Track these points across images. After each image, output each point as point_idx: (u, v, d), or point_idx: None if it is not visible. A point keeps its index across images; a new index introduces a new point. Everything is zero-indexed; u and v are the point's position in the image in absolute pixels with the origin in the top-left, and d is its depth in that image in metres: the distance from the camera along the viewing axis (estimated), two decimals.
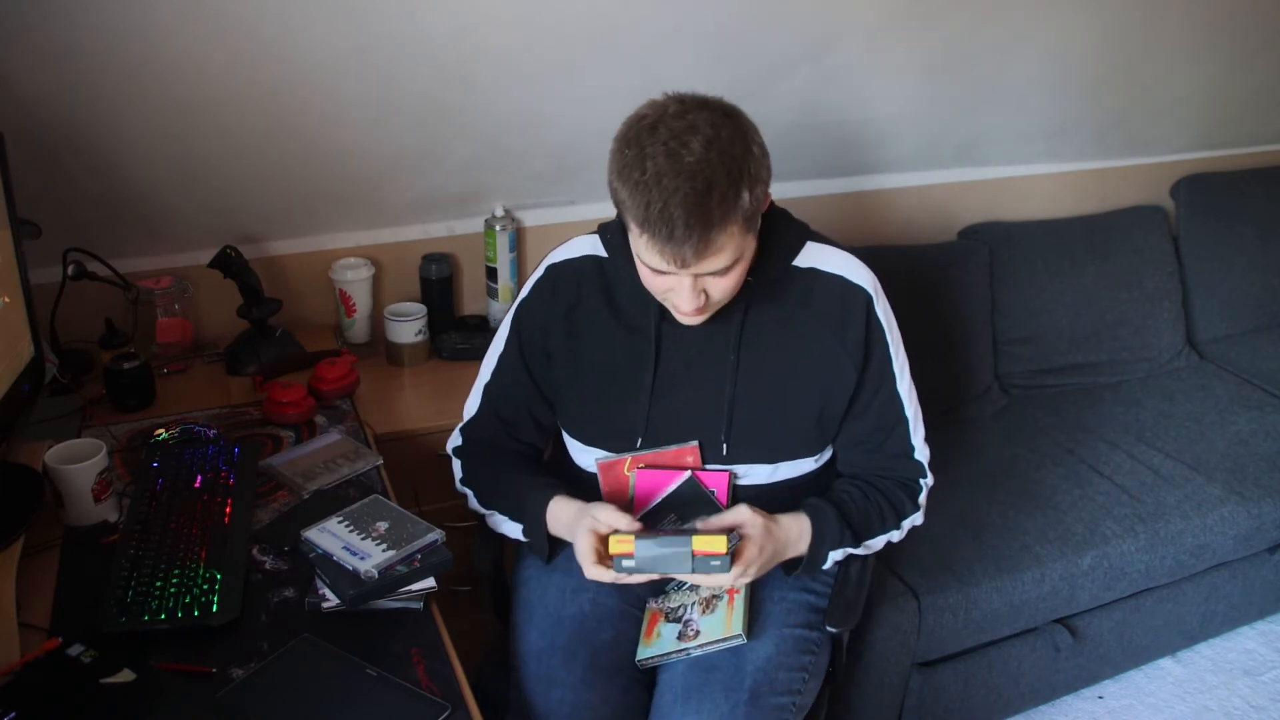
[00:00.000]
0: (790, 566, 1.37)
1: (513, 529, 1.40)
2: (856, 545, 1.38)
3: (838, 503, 1.38)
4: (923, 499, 1.45)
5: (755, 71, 1.92)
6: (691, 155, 1.11)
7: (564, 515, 1.33)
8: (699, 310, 1.24)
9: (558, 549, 1.38)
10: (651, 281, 1.24)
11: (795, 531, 1.34)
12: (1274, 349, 2.66)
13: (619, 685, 1.31)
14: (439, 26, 1.61)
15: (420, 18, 1.58)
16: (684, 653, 1.32)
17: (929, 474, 1.45)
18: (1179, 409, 2.40)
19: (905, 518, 1.44)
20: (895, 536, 1.44)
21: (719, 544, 1.20)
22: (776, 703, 1.30)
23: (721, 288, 1.22)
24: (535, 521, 1.36)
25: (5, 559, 1.21)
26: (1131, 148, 2.64)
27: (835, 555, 1.37)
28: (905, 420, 1.41)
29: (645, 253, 1.19)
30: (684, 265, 1.16)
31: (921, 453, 1.43)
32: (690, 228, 1.11)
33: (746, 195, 1.14)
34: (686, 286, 1.20)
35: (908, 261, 2.29)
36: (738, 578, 1.24)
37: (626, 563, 1.21)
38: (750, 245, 1.22)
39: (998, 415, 2.37)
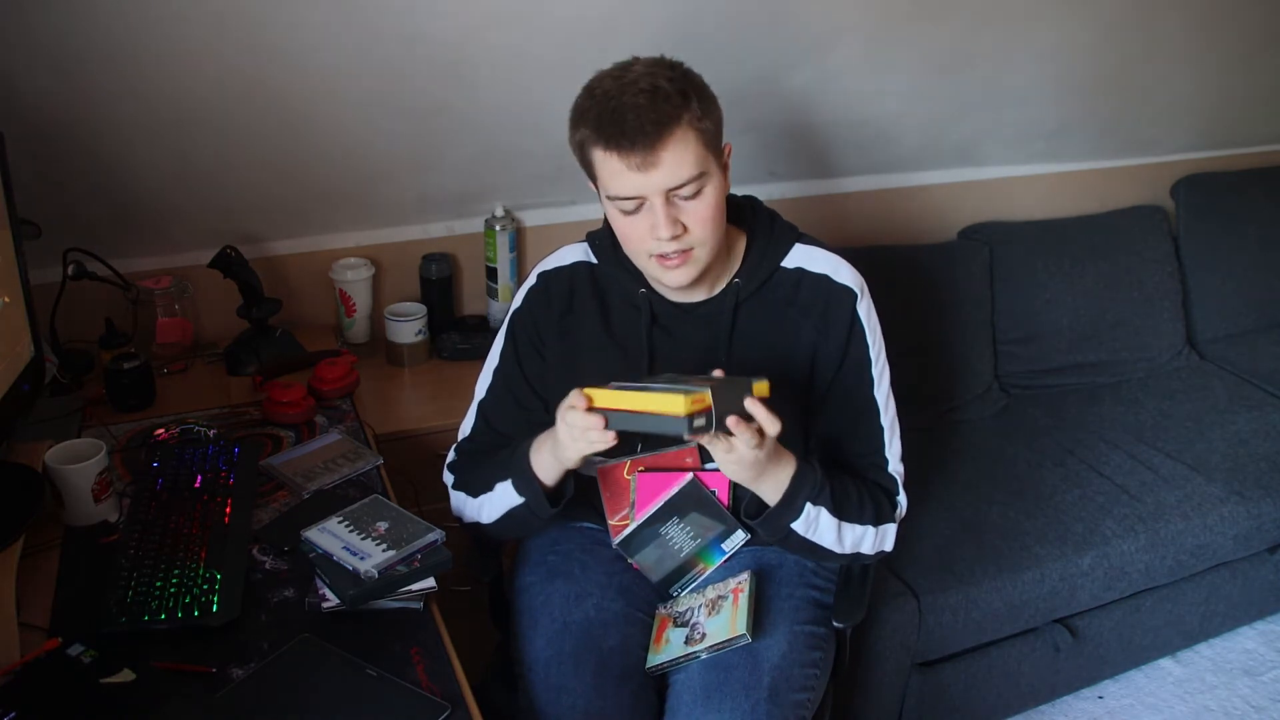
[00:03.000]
0: (757, 512, 1.29)
1: (504, 491, 1.32)
2: (833, 510, 1.28)
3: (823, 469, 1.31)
4: (898, 515, 1.38)
5: (755, 71, 1.92)
6: (635, 74, 1.19)
7: (544, 439, 1.27)
8: (680, 251, 1.23)
9: (558, 501, 1.32)
10: (628, 230, 1.24)
11: (785, 458, 1.25)
12: (1274, 349, 2.66)
13: (629, 691, 1.31)
14: (439, 26, 1.61)
15: (420, 18, 1.58)
16: (693, 656, 1.32)
17: (903, 493, 1.39)
18: (1179, 409, 2.40)
19: (881, 522, 1.35)
20: (868, 542, 1.34)
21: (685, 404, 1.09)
22: (794, 699, 1.30)
23: (698, 216, 1.22)
24: (521, 462, 1.29)
25: (5, 559, 1.21)
26: (1131, 148, 2.64)
27: (810, 513, 1.27)
28: (880, 429, 1.37)
29: (609, 176, 1.21)
30: (641, 167, 1.17)
31: (895, 467, 1.38)
32: (641, 118, 1.16)
33: (695, 104, 1.18)
34: (659, 208, 1.20)
35: (908, 261, 2.30)
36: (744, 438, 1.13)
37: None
38: (716, 172, 1.23)
39: (998, 415, 2.37)
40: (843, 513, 1.30)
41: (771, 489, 1.25)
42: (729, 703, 1.26)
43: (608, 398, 1.14)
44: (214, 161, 1.74)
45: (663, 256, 1.24)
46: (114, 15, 1.42)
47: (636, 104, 1.16)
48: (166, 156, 1.70)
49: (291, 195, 1.88)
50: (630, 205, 1.22)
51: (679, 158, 1.17)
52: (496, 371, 1.44)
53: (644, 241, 1.24)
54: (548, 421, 1.27)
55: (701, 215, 1.22)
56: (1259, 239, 2.74)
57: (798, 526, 1.27)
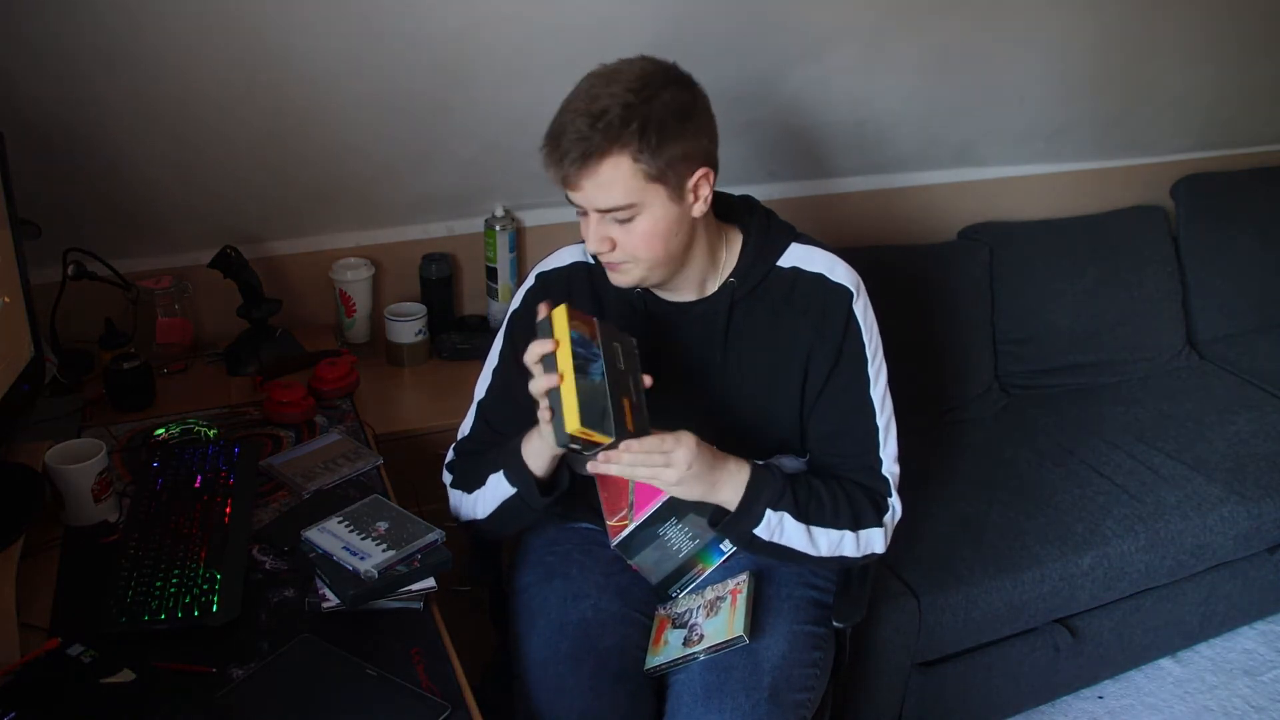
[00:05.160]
0: (719, 516, 1.30)
1: (496, 483, 1.33)
2: (796, 515, 1.28)
3: (789, 474, 1.32)
4: (888, 519, 1.36)
5: (755, 72, 1.92)
6: (606, 91, 1.18)
7: (535, 429, 1.28)
8: (611, 263, 1.26)
9: (551, 491, 1.32)
10: (581, 229, 1.27)
11: (732, 467, 1.27)
12: (1274, 349, 2.66)
13: (627, 691, 1.31)
14: (439, 26, 1.61)
15: (420, 18, 1.58)
16: (691, 658, 1.32)
17: (896, 496, 1.37)
18: (1179, 409, 2.40)
19: (863, 526, 1.34)
20: (848, 546, 1.33)
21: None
22: (795, 699, 1.30)
23: (627, 239, 1.23)
24: (512, 452, 1.31)
25: (5, 559, 1.21)
26: (1131, 148, 2.64)
27: (771, 519, 1.27)
28: (875, 429, 1.36)
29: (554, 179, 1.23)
30: (568, 184, 1.20)
31: (890, 469, 1.37)
32: (574, 143, 1.16)
33: (640, 139, 1.16)
34: (591, 222, 1.23)
35: (908, 261, 2.30)
36: (629, 457, 1.18)
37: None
38: (661, 204, 1.21)
39: (998, 415, 2.37)
40: (809, 517, 1.30)
41: (728, 497, 1.27)
42: (729, 702, 1.26)
43: (559, 319, 1.17)
44: (214, 161, 1.74)
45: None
46: (114, 15, 1.42)
47: (575, 126, 1.16)
48: (166, 156, 1.70)
49: (292, 195, 1.88)
50: (577, 210, 1.25)
51: (603, 186, 1.18)
52: (495, 372, 1.45)
53: (588, 243, 1.27)
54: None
55: (630, 241, 1.23)
56: (1259, 239, 2.74)
57: (760, 532, 1.28)
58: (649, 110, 1.17)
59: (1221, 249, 2.70)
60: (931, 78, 2.10)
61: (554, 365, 1.16)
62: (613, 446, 1.16)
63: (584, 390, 1.13)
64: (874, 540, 1.36)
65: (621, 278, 1.29)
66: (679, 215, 1.24)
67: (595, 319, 1.21)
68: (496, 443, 1.40)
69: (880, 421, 1.36)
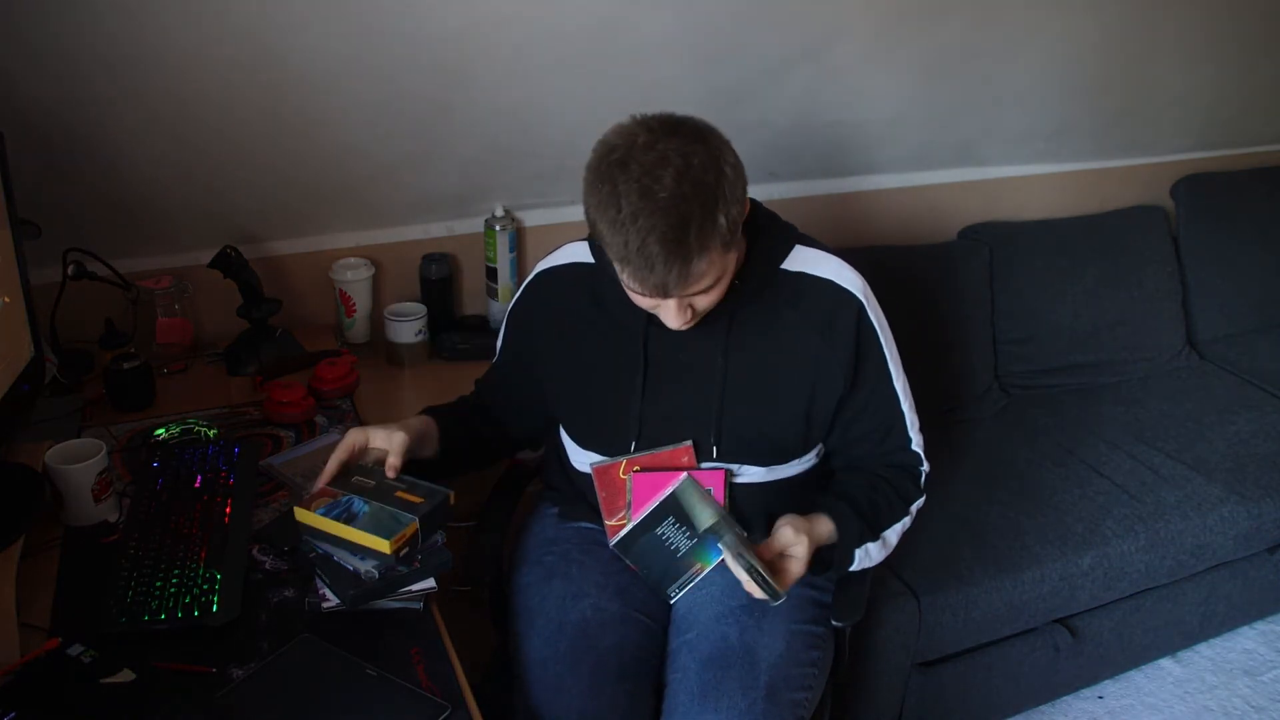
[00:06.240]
0: (815, 566, 1.35)
1: None
2: (875, 538, 1.39)
3: (848, 498, 1.38)
4: (923, 482, 1.47)
5: (755, 71, 1.92)
6: (664, 191, 1.11)
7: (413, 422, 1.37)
8: (686, 322, 1.26)
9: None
10: (637, 300, 1.25)
11: (826, 529, 1.35)
12: (1274, 349, 2.66)
13: (626, 691, 1.31)
14: (439, 26, 1.61)
15: (420, 18, 1.58)
16: (740, 561, 1.24)
17: (925, 461, 1.46)
18: (1179, 409, 2.40)
19: (911, 501, 1.44)
20: (908, 522, 1.44)
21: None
22: (793, 699, 1.30)
23: (707, 301, 1.24)
24: None
25: (5, 559, 1.21)
26: (1131, 148, 2.64)
27: (858, 555, 1.37)
28: (901, 416, 1.42)
29: (629, 283, 1.20)
30: (667, 295, 1.18)
31: (917, 444, 1.45)
32: (670, 263, 1.13)
33: (723, 219, 1.14)
34: (672, 308, 1.22)
35: (908, 261, 2.30)
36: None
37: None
38: (732, 259, 1.22)
39: (998, 415, 2.37)
40: (881, 528, 1.40)
41: (827, 545, 1.36)
42: (726, 701, 1.26)
43: (309, 519, 1.21)
44: (214, 161, 1.74)
45: None
46: (114, 16, 1.42)
47: (664, 245, 1.11)
48: (166, 157, 1.70)
49: (292, 195, 1.88)
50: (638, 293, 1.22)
51: (699, 279, 1.17)
52: (495, 365, 1.52)
53: (650, 309, 1.26)
54: (538, 407, 1.47)
55: (711, 300, 1.24)
56: (1259, 239, 2.74)
57: (855, 569, 1.39)
58: (717, 193, 1.13)
59: (1221, 249, 2.70)
60: (932, 77, 2.10)
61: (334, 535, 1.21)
62: (427, 529, 1.21)
63: (366, 523, 1.18)
64: (919, 503, 1.47)
65: (692, 324, 1.27)
66: (739, 254, 1.26)
67: (328, 486, 1.25)
68: (494, 398, 1.51)
69: (904, 406, 1.42)
